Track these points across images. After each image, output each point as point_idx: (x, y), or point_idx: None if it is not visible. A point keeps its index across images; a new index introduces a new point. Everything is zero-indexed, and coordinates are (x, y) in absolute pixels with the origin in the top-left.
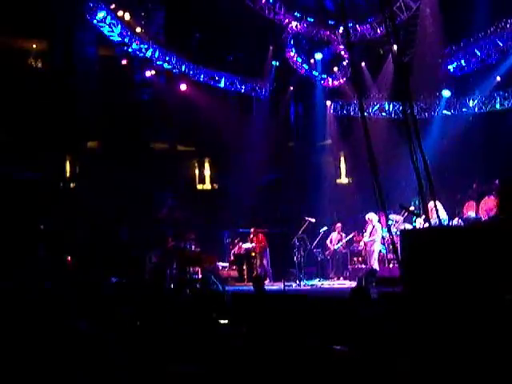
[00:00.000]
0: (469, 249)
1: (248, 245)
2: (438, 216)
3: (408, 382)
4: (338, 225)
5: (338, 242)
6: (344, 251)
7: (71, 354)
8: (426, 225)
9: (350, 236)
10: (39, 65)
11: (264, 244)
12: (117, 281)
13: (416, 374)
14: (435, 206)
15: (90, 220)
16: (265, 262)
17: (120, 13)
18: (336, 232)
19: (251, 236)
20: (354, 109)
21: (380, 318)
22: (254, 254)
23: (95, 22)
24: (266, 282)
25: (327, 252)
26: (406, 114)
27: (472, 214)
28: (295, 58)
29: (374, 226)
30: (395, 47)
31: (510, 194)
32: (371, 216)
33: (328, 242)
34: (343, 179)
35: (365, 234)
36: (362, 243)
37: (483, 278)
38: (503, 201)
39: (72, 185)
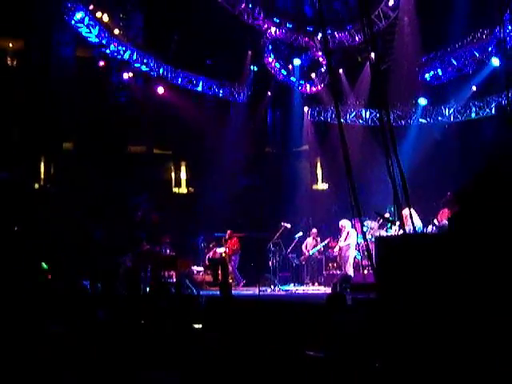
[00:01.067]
0: (442, 256)
1: (222, 249)
2: (413, 223)
3: None
4: (314, 230)
5: (313, 248)
6: (319, 257)
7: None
8: (401, 232)
9: (325, 242)
10: (15, 64)
11: (236, 248)
12: (89, 284)
13: (390, 378)
14: (410, 213)
15: (63, 222)
16: (231, 265)
17: (98, 14)
18: (311, 238)
19: (226, 237)
20: (331, 115)
21: (354, 324)
22: (225, 257)
23: (73, 22)
24: (240, 286)
25: (302, 257)
26: (383, 121)
27: (445, 221)
28: (274, 64)
29: (348, 232)
30: (373, 55)
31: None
32: (344, 223)
33: (303, 247)
34: (319, 185)
35: (340, 239)
36: (336, 249)
37: (456, 284)
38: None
39: (47, 186)
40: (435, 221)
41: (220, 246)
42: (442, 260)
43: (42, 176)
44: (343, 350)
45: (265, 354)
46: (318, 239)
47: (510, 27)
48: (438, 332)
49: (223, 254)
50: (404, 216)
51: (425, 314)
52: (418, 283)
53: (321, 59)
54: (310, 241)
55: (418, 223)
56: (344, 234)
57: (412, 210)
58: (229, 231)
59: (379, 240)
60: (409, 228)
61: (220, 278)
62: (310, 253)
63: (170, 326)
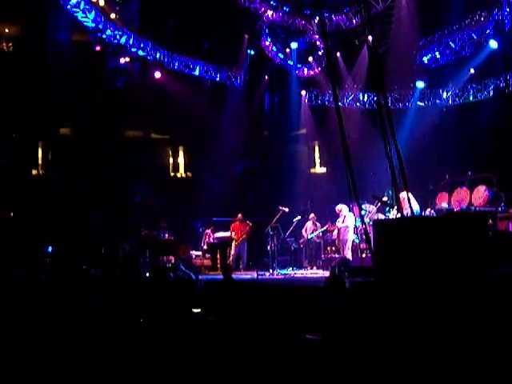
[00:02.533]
0: (440, 238)
1: (223, 233)
2: (411, 206)
3: (380, 370)
4: (312, 215)
5: (313, 232)
6: (318, 241)
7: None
8: (399, 215)
9: (324, 228)
10: (11, 49)
11: (245, 233)
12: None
13: (387, 362)
14: (408, 196)
15: (62, 208)
16: (243, 248)
17: None
18: (311, 222)
19: (237, 220)
20: (329, 99)
21: (352, 308)
22: (233, 241)
23: (69, 7)
24: (241, 271)
25: (301, 240)
26: (380, 104)
27: (444, 204)
28: (270, 48)
29: (345, 217)
30: (370, 38)
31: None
32: (340, 207)
33: (303, 231)
34: (317, 169)
35: (336, 224)
36: (335, 232)
37: (454, 267)
38: None
39: (44, 172)
40: (434, 204)
41: (218, 230)
42: (438, 242)
43: (40, 162)
44: (341, 333)
45: (264, 338)
46: (318, 224)
47: (507, 9)
48: (432, 312)
49: (234, 238)
50: (401, 199)
51: (423, 297)
52: (417, 266)
53: (318, 42)
54: (309, 225)
55: (416, 206)
56: (341, 219)
57: (409, 193)
58: (239, 214)
59: (376, 224)
60: (406, 211)
61: (219, 261)
62: (309, 237)
63: (169, 311)
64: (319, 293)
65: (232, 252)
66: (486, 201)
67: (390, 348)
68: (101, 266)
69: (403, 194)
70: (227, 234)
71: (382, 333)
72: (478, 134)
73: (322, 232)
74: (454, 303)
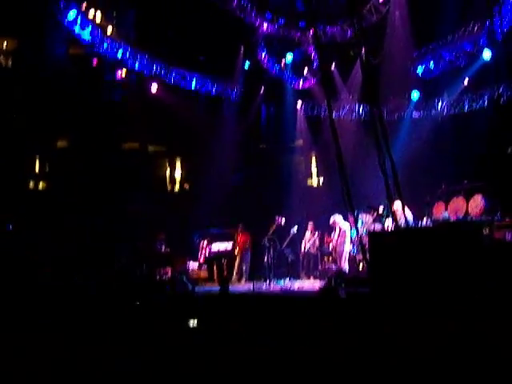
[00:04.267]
0: (433, 248)
1: (219, 244)
2: (405, 217)
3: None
4: (310, 223)
5: (309, 242)
6: (315, 252)
7: None
8: (393, 225)
9: (318, 237)
10: (9, 63)
11: (248, 242)
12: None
13: (387, 372)
14: (403, 207)
15: (58, 219)
16: (245, 260)
17: (91, 12)
18: (309, 231)
19: (238, 232)
20: (325, 110)
21: (347, 318)
22: (236, 253)
23: (66, 21)
24: (242, 282)
25: (301, 252)
26: (374, 116)
27: (441, 214)
28: (266, 59)
29: (340, 228)
30: (363, 50)
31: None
32: (333, 219)
33: (303, 241)
34: (314, 179)
35: (332, 237)
36: (331, 244)
37: (449, 276)
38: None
39: (42, 184)
40: (430, 214)
41: (215, 241)
42: (432, 252)
43: (37, 174)
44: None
45: (260, 350)
46: (316, 232)
47: (500, 19)
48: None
49: (236, 250)
50: (395, 209)
51: (418, 307)
52: (412, 276)
53: (313, 54)
54: (308, 234)
55: (410, 216)
56: (337, 231)
57: (400, 203)
58: (240, 225)
59: (371, 235)
60: (401, 221)
61: (215, 273)
62: (307, 247)
63: (165, 324)
64: (313, 303)
65: (237, 263)
66: (483, 210)
67: (385, 358)
68: (97, 279)
69: (397, 204)
70: (224, 245)
71: (378, 343)
72: (474, 143)
73: (319, 242)
74: (449, 312)
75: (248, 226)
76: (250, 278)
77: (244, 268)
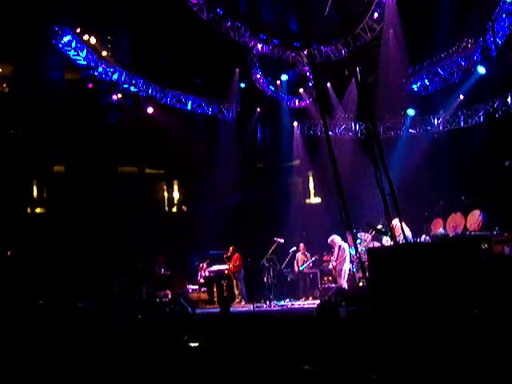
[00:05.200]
0: (432, 265)
1: (219, 266)
2: (404, 233)
3: None
4: (302, 245)
5: (303, 264)
6: (312, 271)
7: None
8: (392, 242)
9: (313, 259)
10: (5, 89)
11: (238, 264)
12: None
13: None
14: (401, 224)
15: (56, 245)
16: (239, 283)
17: (86, 37)
18: (300, 253)
19: (228, 254)
20: (321, 129)
21: (347, 336)
22: (227, 274)
23: (61, 45)
24: (242, 303)
25: (296, 272)
26: (370, 134)
27: (440, 230)
28: (261, 80)
29: (339, 247)
30: (358, 69)
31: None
32: (331, 239)
33: (295, 262)
34: (312, 199)
35: (332, 259)
36: (331, 264)
37: (450, 293)
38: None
39: (39, 209)
40: (429, 230)
41: (214, 263)
42: (430, 269)
43: (34, 199)
44: (338, 363)
45: (261, 370)
46: (308, 254)
47: (493, 35)
48: (430, 339)
49: (226, 271)
50: (394, 226)
51: (418, 324)
52: (412, 293)
53: (308, 74)
54: (300, 256)
55: (408, 233)
56: (336, 251)
57: (397, 220)
58: (231, 247)
59: (370, 252)
60: (399, 238)
61: (216, 295)
62: (300, 268)
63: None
64: (312, 322)
65: (235, 284)
66: (481, 225)
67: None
68: (98, 303)
69: (395, 221)
70: (223, 267)
71: (381, 361)
72: (470, 159)
73: (313, 262)
74: (452, 329)
75: (246, 247)
76: (250, 299)
77: (240, 287)
